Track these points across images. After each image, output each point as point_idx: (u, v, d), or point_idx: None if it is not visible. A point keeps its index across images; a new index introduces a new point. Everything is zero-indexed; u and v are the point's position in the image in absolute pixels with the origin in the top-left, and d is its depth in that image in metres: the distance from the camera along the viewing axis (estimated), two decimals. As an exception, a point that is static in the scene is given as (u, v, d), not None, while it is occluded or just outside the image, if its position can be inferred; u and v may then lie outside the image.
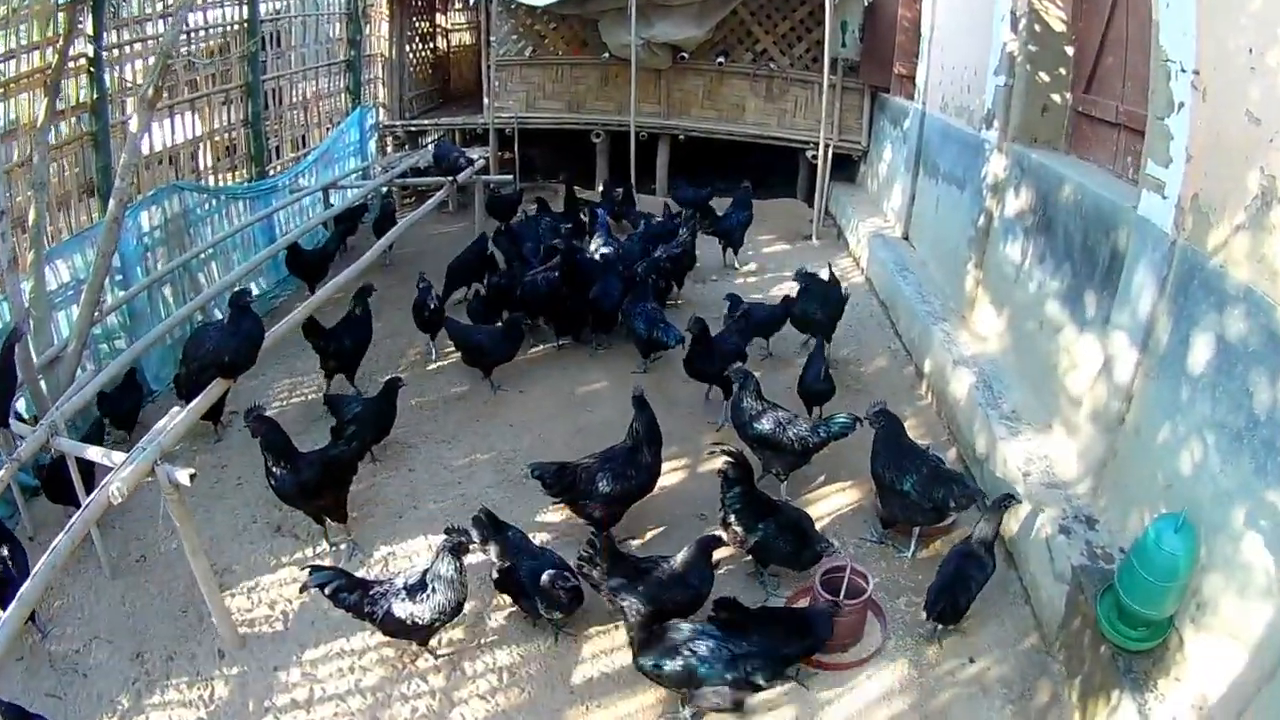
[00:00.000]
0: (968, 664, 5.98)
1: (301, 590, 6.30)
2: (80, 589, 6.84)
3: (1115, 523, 5.95)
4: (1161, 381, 5.51)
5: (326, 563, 7.02)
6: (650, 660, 5.52)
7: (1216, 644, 4.66)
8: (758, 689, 5.49)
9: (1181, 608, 4.93)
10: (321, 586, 5.93)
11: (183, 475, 5.56)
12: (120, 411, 8.69)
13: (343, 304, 9.93)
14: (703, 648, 5.44)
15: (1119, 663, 5.01)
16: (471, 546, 6.19)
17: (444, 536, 5.92)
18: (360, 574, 6.78)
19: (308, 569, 6.10)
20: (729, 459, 6.58)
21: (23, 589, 4.87)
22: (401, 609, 5.83)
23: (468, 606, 6.46)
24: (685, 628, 5.61)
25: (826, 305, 10.08)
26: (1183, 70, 5.36)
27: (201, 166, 13.11)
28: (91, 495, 5.59)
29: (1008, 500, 6.11)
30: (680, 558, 6.04)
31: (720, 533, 6.59)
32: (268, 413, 7.56)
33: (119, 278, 9.83)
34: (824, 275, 10.40)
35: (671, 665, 5.44)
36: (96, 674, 6.07)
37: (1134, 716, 4.75)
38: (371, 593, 5.94)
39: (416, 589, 5.84)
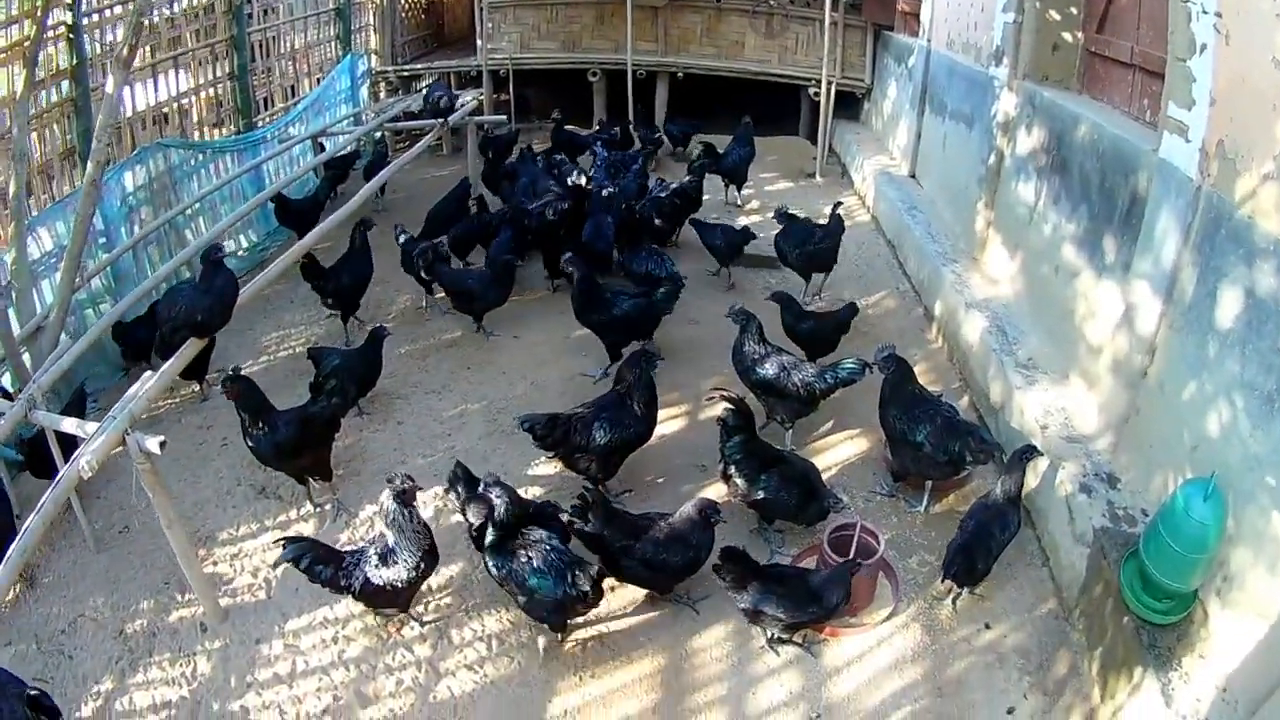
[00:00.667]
0: (983, 630, 5.79)
1: (275, 566, 6.32)
2: (66, 564, 6.74)
3: (1138, 482, 5.73)
4: (1187, 335, 5.27)
5: (310, 526, 6.97)
6: (492, 560, 5.63)
7: (1243, 622, 4.46)
8: (585, 596, 5.46)
9: (1207, 580, 4.71)
10: (295, 561, 5.74)
11: (152, 443, 5.37)
12: (136, 342, 8.72)
13: (333, 251, 9.73)
14: (539, 558, 5.45)
15: (1142, 636, 4.80)
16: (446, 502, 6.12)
17: (387, 488, 5.69)
18: (345, 536, 6.78)
19: (280, 542, 5.93)
20: (728, 405, 6.35)
21: None
22: (377, 576, 5.64)
23: (454, 569, 6.43)
24: (538, 534, 5.63)
25: (804, 245, 9.84)
26: (1204, 12, 5.08)
27: (193, 121, 12.87)
28: (61, 471, 5.41)
29: (1030, 453, 5.83)
30: (679, 515, 5.83)
31: (721, 486, 6.45)
32: (252, 368, 7.45)
33: (102, 240, 9.66)
34: (828, 213, 10.12)
35: (505, 568, 5.55)
36: (82, 655, 5.99)
37: (1157, 698, 4.55)
38: (345, 564, 5.75)
39: (388, 553, 5.65)
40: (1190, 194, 5.26)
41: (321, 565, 5.72)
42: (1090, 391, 6.65)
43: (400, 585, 5.66)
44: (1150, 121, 6.51)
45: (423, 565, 5.67)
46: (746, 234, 10.83)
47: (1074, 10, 8.14)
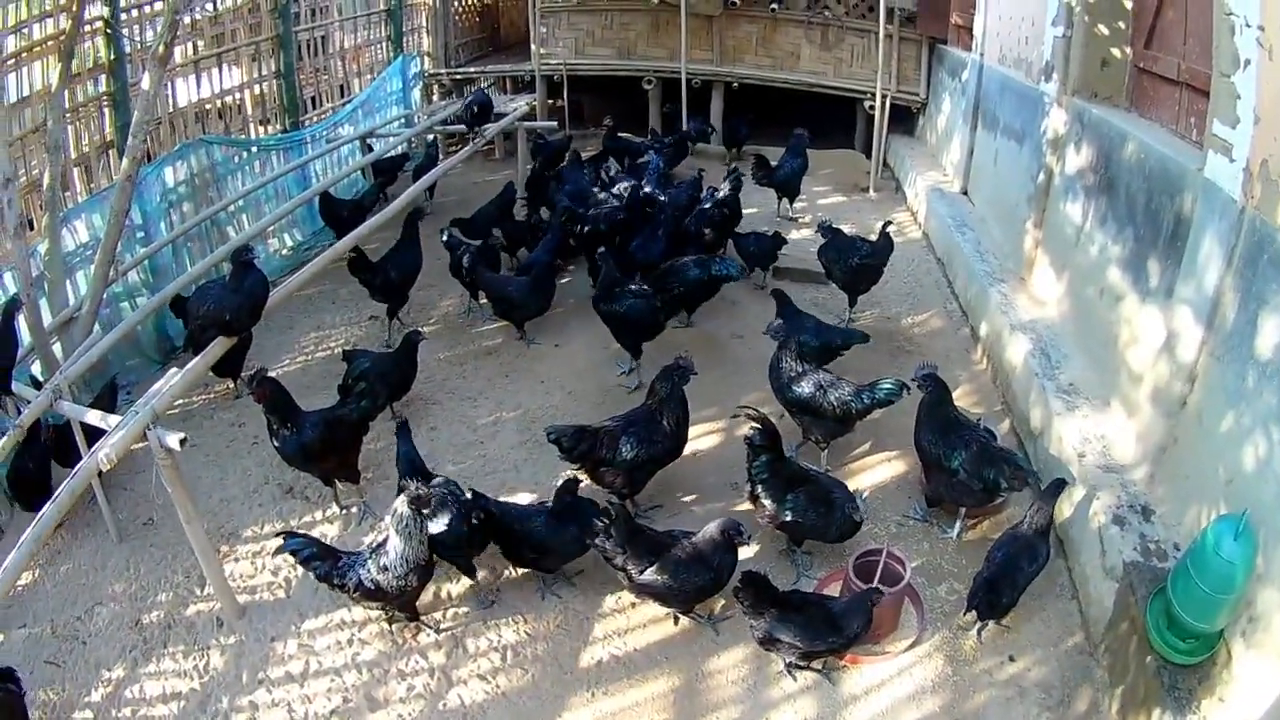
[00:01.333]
0: (1007, 662, 5.65)
1: (275, 554, 6.46)
2: (87, 553, 6.88)
3: (1172, 515, 5.57)
4: (1227, 364, 5.11)
5: (335, 528, 7.03)
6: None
7: (1268, 664, 4.30)
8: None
9: (1233, 621, 4.56)
10: (294, 553, 5.83)
11: (173, 440, 5.42)
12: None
13: (379, 251, 9.81)
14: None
15: (1164, 677, 4.66)
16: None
17: (401, 495, 5.65)
18: (370, 539, 6.69)
19: (281, 535, 6.01)
20: (754, 424, 6.25)
21: (7, 560, 4.86)
22: (370, 578, 5.60)
23: (478, 578, 6.40)
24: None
25: (848, 260, 9.64)
26: (1247, 25, 4.92)
27: (239, 119, 13.02)
28: (79, 463, 5.44)
29: (1062, 486, 5.69)
30: (702, 535, 5.77)
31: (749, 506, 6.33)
32: (289, 368, 7.50)
33: (140, 235, 9.78)
34: (879, 229, 9.91)
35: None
36: (96, 641, 6.08)
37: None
38: (340, 563, 5.76)
39: (380, 553, 5.63)
40: (1234, 216, 5.11)
41: (319, 561, 5.78)
42: (1130, 419, 6.48)
43: (391, 591, 5.62)
44: (1197, 140, 6.34)
45: (412, 579, 5.61)
46: (778, 239, 10.83)
47: (1122, 25, 7.97)
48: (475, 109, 13.14)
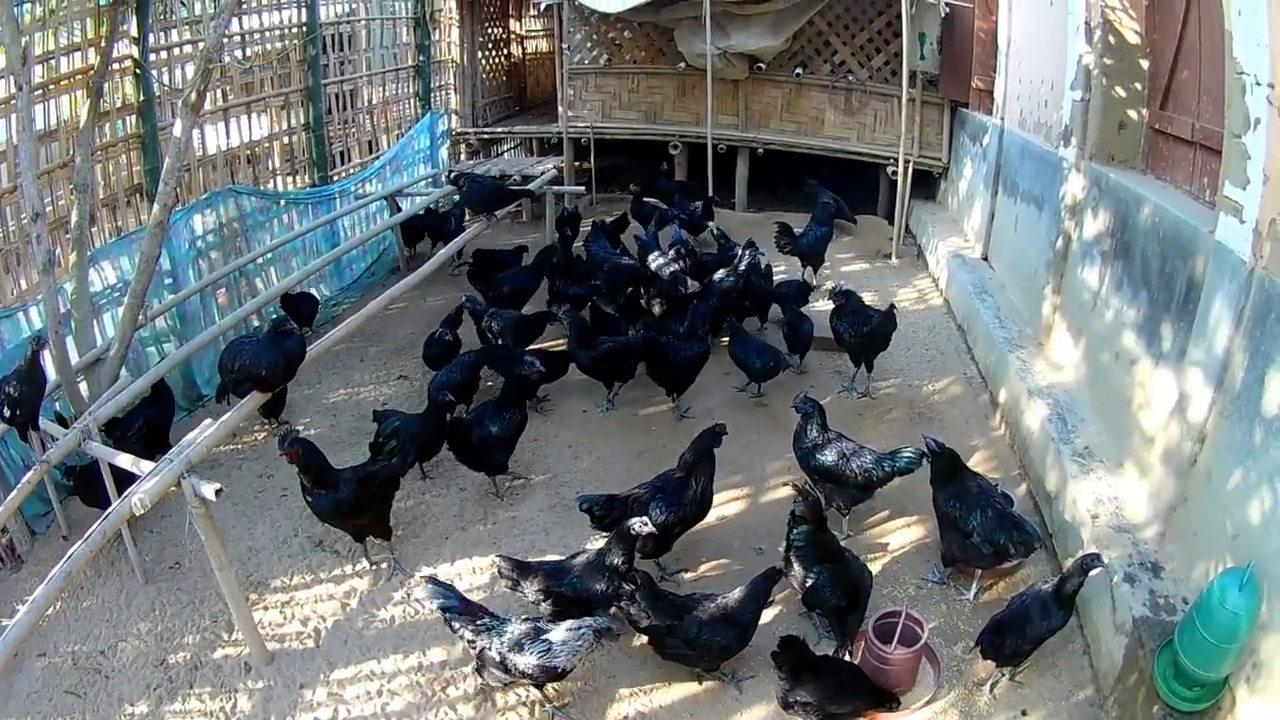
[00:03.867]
0: (1020, 717, 5.73)
1: (414, 589, 6.47)
2: (111, 591, 6.98)
3: (1181, 571, 5.69)
4: (1235, 423, 5.24)
5: (365, 582, 7.11)
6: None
7: (1270, 710, 4.42)
8: None
9: (1238, 668, 4.68)
10: (432, 600, 5.87)
11: (208, 490, 5.51)
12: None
13: (401, 316, 9.97)
14: None
15: (1170, 724, 4.78)
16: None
17: (594, 620, 5.68)
18: (399, 594, 6.91)
19: (424, 578, 6.17)
20: (799, 495, 6.36)
21: (35, 594, 4.95)
22: (499, 652, 5.60)
23: None
24: None
25: (860, 327, 9.75)
26: (1258, 84, 5.09)
27: (268, 169, 13.28)
28: (113, 505, 5.58)
29: (1093, 562, 5.63)
30: (723, 598, 5.93)
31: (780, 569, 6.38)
32: (319, 426, 7.63)
33: (169, 281, 9.99)
34: (886, 307, 10.00)
35: None
36: (119, 676, 6.20)
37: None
38: (479, 623, 5.75)
39: (526, 640, 5.60)
40: (1243, 277, 5.25)
41: (455, 614, 5.78)
42: (1142, 480, 6.60)
43: (519, 672, 5.62)
44: (1210, 201, 6.50)
45: (551, 676, 5.67)
46: (805, 286, 11.38)
47: (1139, 86, 8.12)
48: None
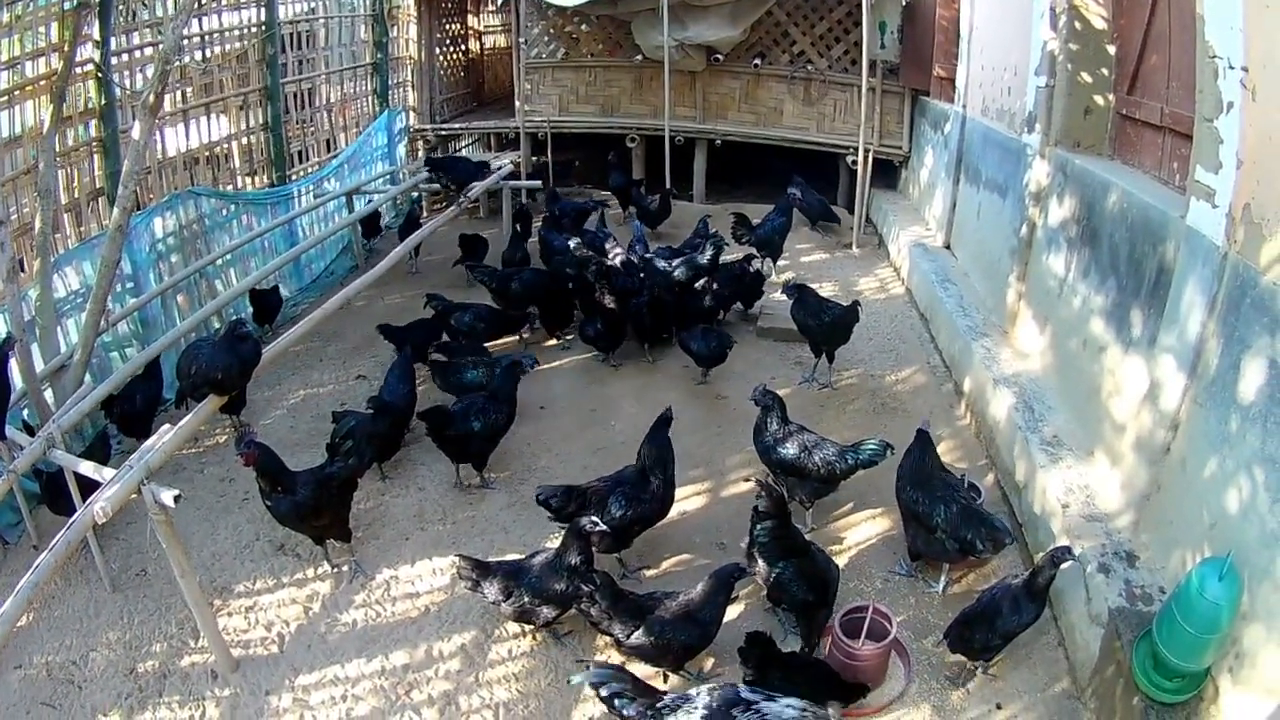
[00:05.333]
0: (994, 710, 5.66)
1: (569, 682, 5.93)
2: (80, 600, 6.89)
3: (1156, 560, 5.63)
4: (1209, 410, 5.19)
5: (327, 585, 7.02)
6: None
7: (1253, 699, 4.37)
8: None
9: (1220, 658, 4.62)
10: (597, 686, 5.03)
11: (167, 496, 5.44)
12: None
13: (360, 314, 9.83)
14: None
15: (1151, 715, 4.72)
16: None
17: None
18: (360, 598, 6.83)
19: (585, 664, 5.92)
20: (761, 490, 6.24)
21: (5, 607, 4.83)
22: None
23: (468, 636, 6.47)
24: None
25: (821, 315, 9.73)
26: (1230, 67, 5.02)
27: (228, 170, 13.18)
28: (75, 514, 5.50)
29: (1064, 554, 5.58)
30: (686, 595, 5.86)
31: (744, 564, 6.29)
32: (277, 427, 7.53)
33: (130, 285, 9.89)
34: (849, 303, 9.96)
35: None
36: (91, 686, 6.12)
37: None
38: (659, 706, 4.96)
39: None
40: (1216, 262, 5.19)
41: (627, 699, 4.96)
42: (1113, 469, 6.55)
43: None
44: (1179, 186, 6.46)
45: None
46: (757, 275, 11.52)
47: (1105, 71, 8.09)
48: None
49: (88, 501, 5.47)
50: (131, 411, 8.42)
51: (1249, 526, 4.62)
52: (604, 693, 5.00)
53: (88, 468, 6.19)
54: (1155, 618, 4.77)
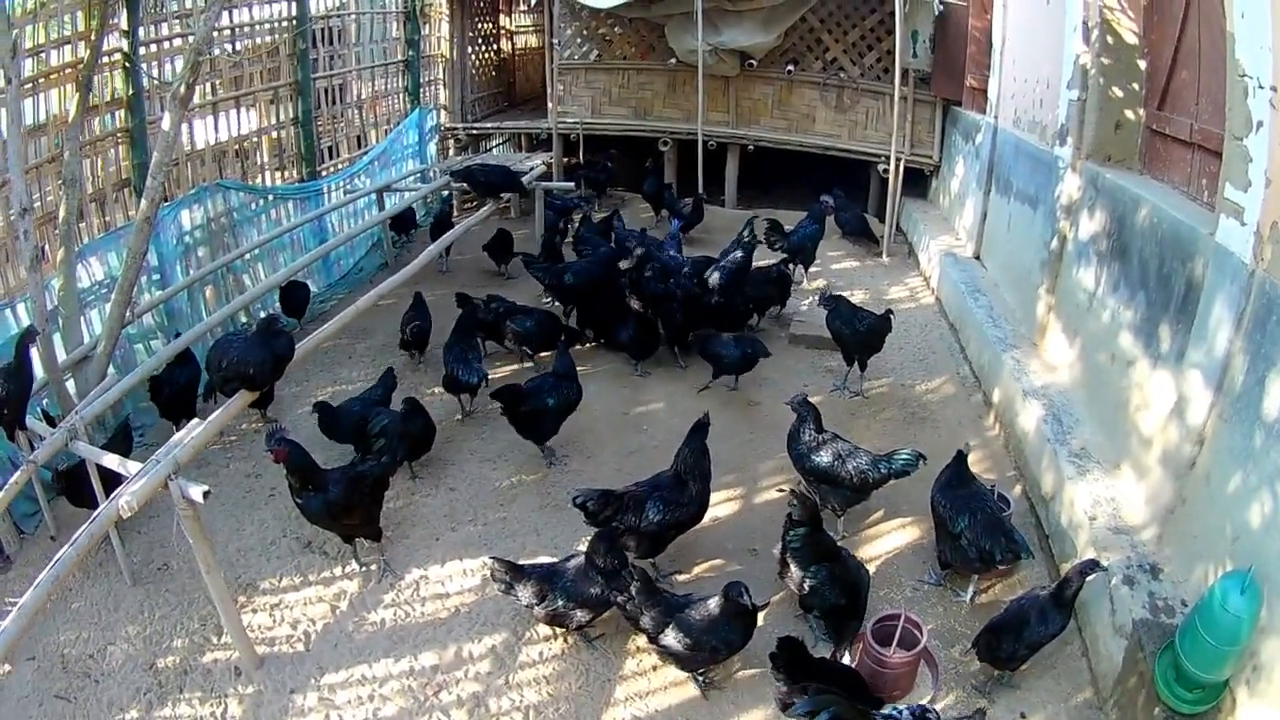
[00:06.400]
0: (1018, 719, 5.75)
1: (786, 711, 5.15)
2: (99, 593, 6.90)
3: (1180, 573, 5.71)
4: (1235, 425, 5.27)
5: (355, 584, 7.03)
6: None
7: (1270, 712, 4.47)
8: None
9: (1238, 670, 4.72)
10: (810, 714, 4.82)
11: (196, 492, 5.47)
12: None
13: (390, 312, 10.06)
14: None
15: (1171, 726, 4.82)
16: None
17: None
18: (390, 596, 6.87)
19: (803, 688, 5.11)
20: (793, 499, 6.35)
21: (24, 599, 4.82)
22: None
23: (498, 638, 6.47)
24: None
25: (855, 324, 9.79)
26: (1260, 86, 5.11)
27: (257, 164, 13.26)
28: (100, 508, 5.49)
29: (1092, 567, 5.70)
30: (715, 601, 5.86)
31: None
32: (305, 422, 7.62)
33: (156, 277, 9.98)
34: (880, 311, 10.07)
35: None
36: (109, 680, 6.11)
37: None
38: None
39: None
40: (1244, 279, 5.28)
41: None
42: (1140, 482, 6.63)
43: None
44: (1208, 203, 6.54)
45: None
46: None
47: (1136, 86, 8.14)
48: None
49: (112, 495, 5.48)
50: (175, 394, 8.63)
51: (1271, 541, 4.72)
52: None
53: (112, 460, 6.21)
54: (1178, 629, 4.89)
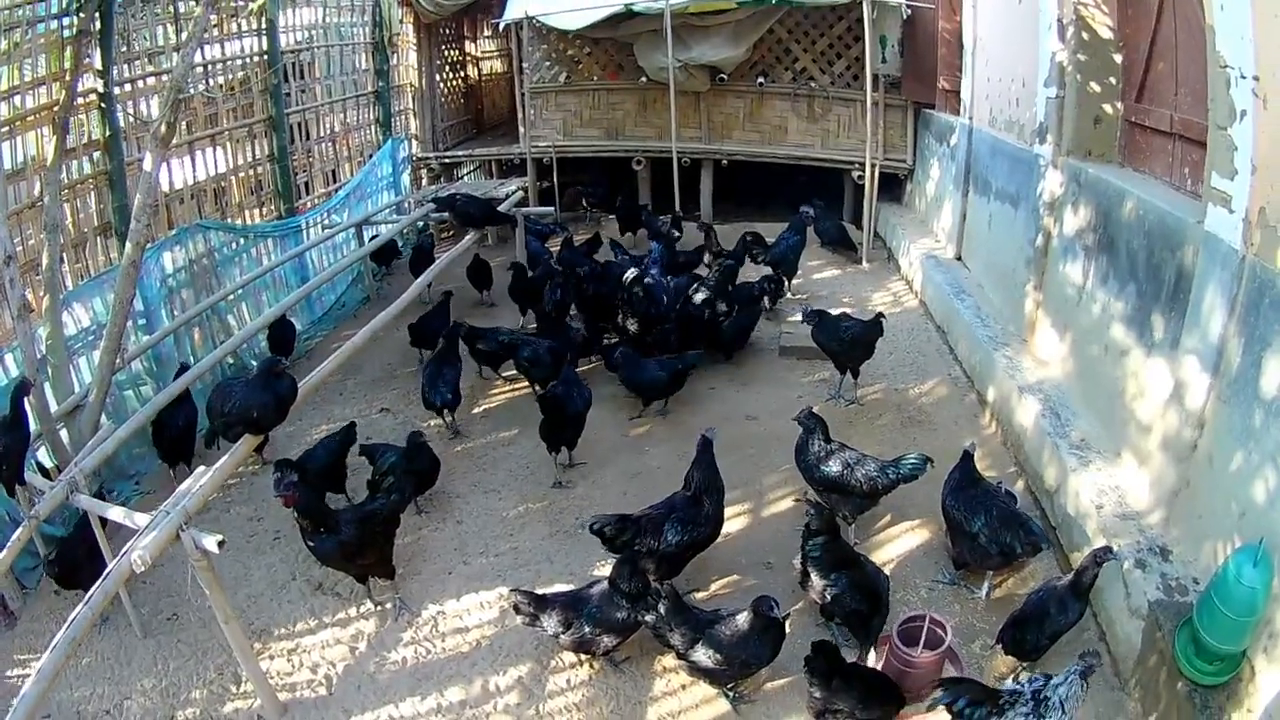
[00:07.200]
0: (1040, 707, 5.89)
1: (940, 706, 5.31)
2: (110, 646, 6.86)
3: (1189, 553, 5.89)
4: (1234, 406, 5.45)
5: (371, 624, 7.03)
6: None
7: (1287, 677, 4.67)
8: None
9: (1255, 639, 4.90)
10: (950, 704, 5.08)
11: (210, 542, 5.44)
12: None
13: (378, 346, 10.16)
14: None
15: (1195, 699, 4.99)
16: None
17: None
18: (409, 634, 6.87)
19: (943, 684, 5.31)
20: (810, 509, 6.52)
21: (41, 662, 4.80)
22: None
23: (524, 669, 6.48)
24: None
25: (839, 334, 9.98)
26: (1242, 76, 5.27)
27: (230, 204, 13.28)
28: (112, 563, 5.46)
29: (1105, 554, 5.83)
30: (743, 616, 5.93)
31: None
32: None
33: (142, 322, 9.96)
34: (872, 311, 10.32)
35: None
36: None
37: (1207, 754, 4.72)
38: (1001, 703, 5.01)
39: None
40: (1235, 265, 5.44)
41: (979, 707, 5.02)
42: (1142, 468, 6.80)
43: None
44: (1191, 191, 6.74)
45: None
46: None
47: (1114, 80, 8.31)
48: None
49: (124, 550, 5.42)
50: (175, 436, 8.69)
51: (1277, 514, 4.91)
52: (958, 707, 5.07)
53: (117, 513, 6.16)
54: (1195, 605, 5.07)
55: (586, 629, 6.19)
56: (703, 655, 5.91)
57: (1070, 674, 4.92)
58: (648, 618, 6.09)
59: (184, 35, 7.15)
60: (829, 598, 6.37)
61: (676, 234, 15.16)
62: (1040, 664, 6.08)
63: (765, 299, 12.26)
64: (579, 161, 18.68)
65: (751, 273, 13.16)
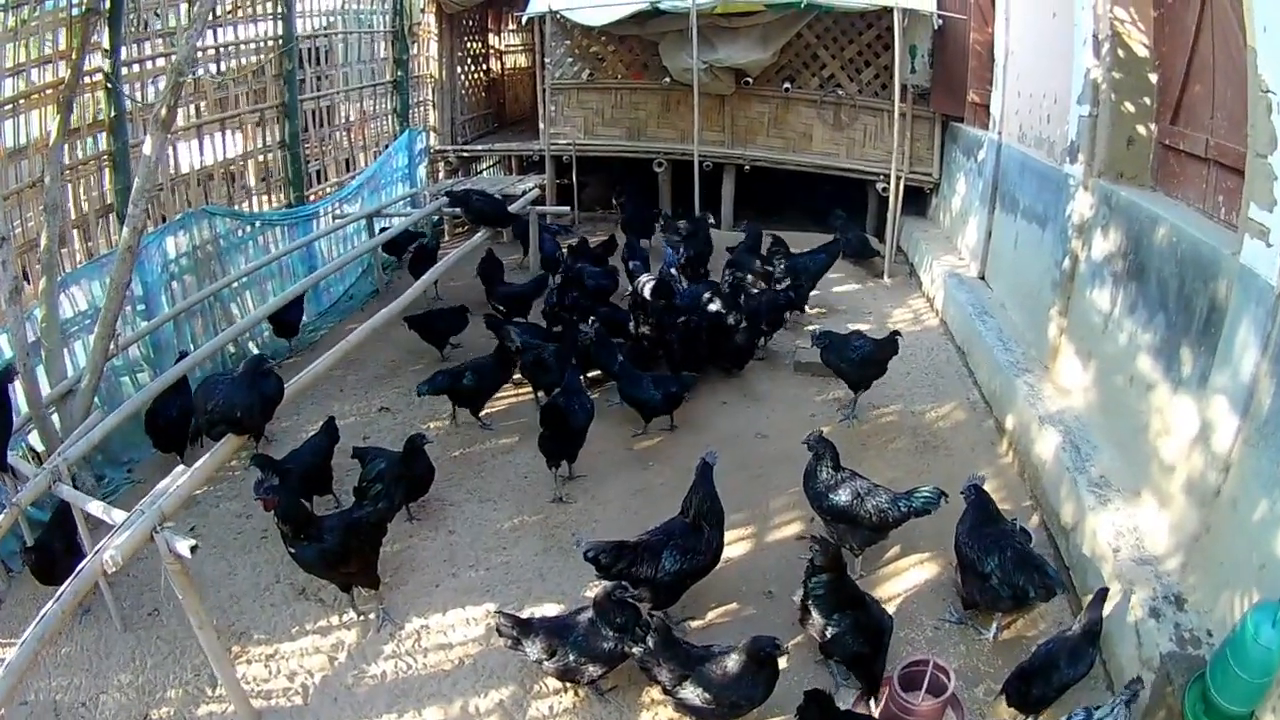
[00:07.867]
0: (1043, 757, 5.71)
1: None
2: (90, 638, 6.82)
3: (1205, 602, 5.68)
4: (1262, 451, 5.24)
5: (353, 634, 6.91)
6: None
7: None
8: None
9: (1264, 699, 4.70)
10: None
11: (183, 546, 5.32)
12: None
13: (381, 342, 10.04)
14: None
15: (1201, 758, 4.81)
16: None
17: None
18: (390, 647, 6.74)
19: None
20: (815, 545, 6.26)
21: (10, 658, 4.72)
22: None
23: (506, 692, 6.34)
24: None
25: (849, 355, 9.86)
26: (1283, 102, 5.10)
27: (243, 189, 13.24)
28: (84, 561, 5.36)
29: (1105, 594, 5.77)
30: (737, 652, 5.74)
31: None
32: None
33: (141, 308, 9.89)
34: (884, 336, 10.08)
35: None
36: None
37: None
38: None
39: None
40: (1270, 302, 5.24)
41: None
42: (1162, 510, 6.59)
43: None
44: (1226, 220, 6.54)
45: None
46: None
47: (1148, 100, 8.11)
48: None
49: (96, 548, 5.32)
50: (170, 424, 8.62)
51: (1299, 569, 4.71)
52: None
53: (96, 507, 6.07)
54: (1209, 662, 4.87)
55: (571, 657, 6.00)
56: (691, 694, 5.72)
57: (1116, 705, 4.90)
58: (635, 650, 5.89)
59: (192, 16, 7.00)
60: (829, 636, 6.15)
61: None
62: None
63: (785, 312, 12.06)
64: (597, 161, 18.53)
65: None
